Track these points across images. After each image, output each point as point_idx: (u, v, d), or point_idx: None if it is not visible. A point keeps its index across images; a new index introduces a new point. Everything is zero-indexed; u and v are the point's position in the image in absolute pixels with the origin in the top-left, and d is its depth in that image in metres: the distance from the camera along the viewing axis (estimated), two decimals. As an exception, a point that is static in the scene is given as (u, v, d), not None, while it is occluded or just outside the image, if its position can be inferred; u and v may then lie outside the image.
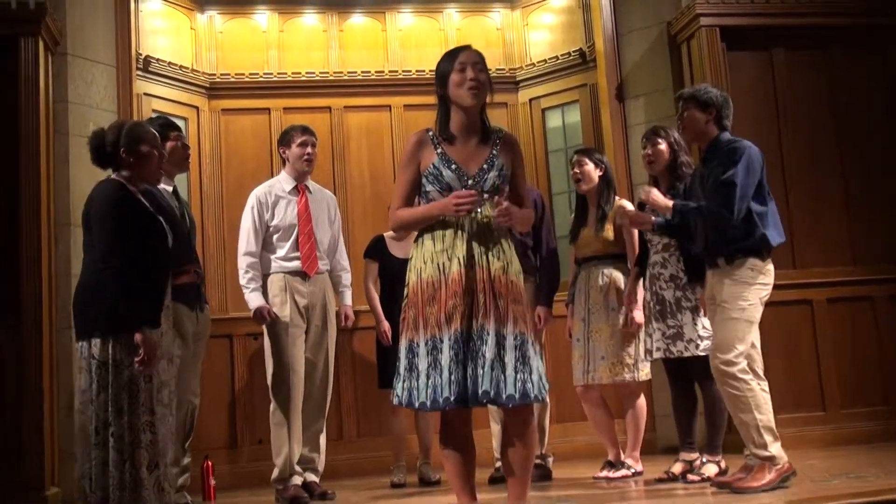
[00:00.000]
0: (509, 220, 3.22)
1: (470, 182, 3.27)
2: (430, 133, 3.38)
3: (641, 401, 5.06)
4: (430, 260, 3.24)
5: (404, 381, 3.21)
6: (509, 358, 3.12)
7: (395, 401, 3.25)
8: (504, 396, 3.09)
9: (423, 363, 3.15)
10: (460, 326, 3.12)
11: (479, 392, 3.08)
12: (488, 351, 3.10)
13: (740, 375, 4.05)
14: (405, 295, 3.32)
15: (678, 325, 4.69)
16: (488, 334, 3.12)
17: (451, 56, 3.35)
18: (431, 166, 3.30)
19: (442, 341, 3.13)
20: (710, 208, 4.13)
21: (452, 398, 3.08)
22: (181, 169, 4.78)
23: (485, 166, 3.30)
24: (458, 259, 3.19)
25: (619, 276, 5.03)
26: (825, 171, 6.31)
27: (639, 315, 4.87)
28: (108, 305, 3.56)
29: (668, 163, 4.82)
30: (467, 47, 3.38)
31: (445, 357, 3.11)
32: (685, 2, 6.28)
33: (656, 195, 4.30)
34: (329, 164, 7.07)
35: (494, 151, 3.34)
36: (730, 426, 4.70)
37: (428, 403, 3.13)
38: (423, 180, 3.32)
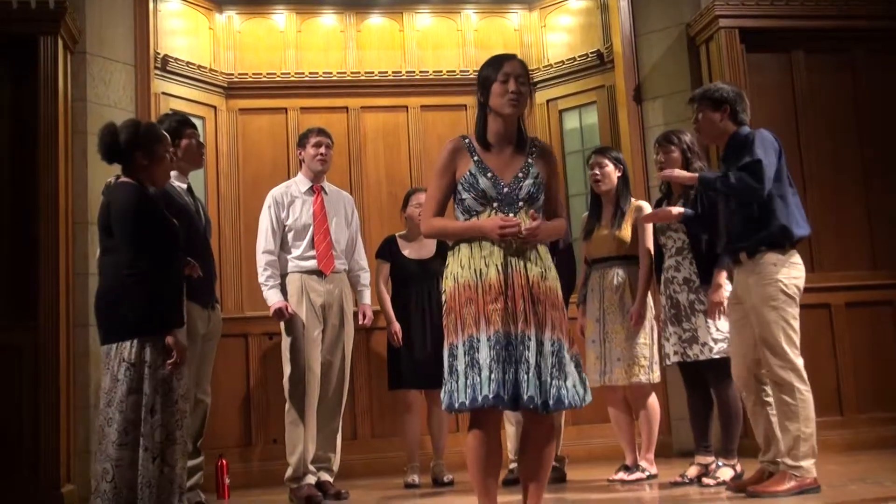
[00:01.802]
0: (535, 237, 3.20)
1: (505, 190, 3.25)
2: (467, 140, 3.37)
3: (653, 401, 5.04)
4: (467, 265, 3.22)
5: (446, 384, 3.18)
6: (546, 364, 3.10)
7: (443, 405, 3.21)
8: (540, 403, 3.07)
9: (461, 364, 3.13)
10: (501, 329, 3.10)
11: (525, 398, 3.06)
12: (532, 357, 3.08)
13: (796, 384, 4.00)
14: (443, 301, 3.30)
15: (693, 328, 4.68)
16: (530, 339, 3.11)
17: (496, 64, 3.34)
18: (468, 174, 3.29)
19: (479, 340, 3.11)
20: (739, 177, 4.03)
21: (492, 396, 3.05)
22: (196, 166, 4.81)
23: (520, 174, 3.29)
24: (496, 266, 3.18)
25: (632, 278, 5.01)
26: (845, 173, 6.26)
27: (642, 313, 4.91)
28: (137, 309, 3.58)
29: (681, 169, 4.80)
30: (513, 57, 3.37)
31: (484, 356, 3.08)
32: (704, 3, 6.24)
33: (678, 172, 4.25)
34: (346, 164, 7.07)
35: (530, 160, 3.34)
36: (745, 430, 4.66)
37: (467, 403, 3.09)
38: (459, 187, 3.31)
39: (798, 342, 4.08)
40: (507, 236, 3.16)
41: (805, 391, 4.02)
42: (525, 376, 3.07)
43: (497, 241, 3.18)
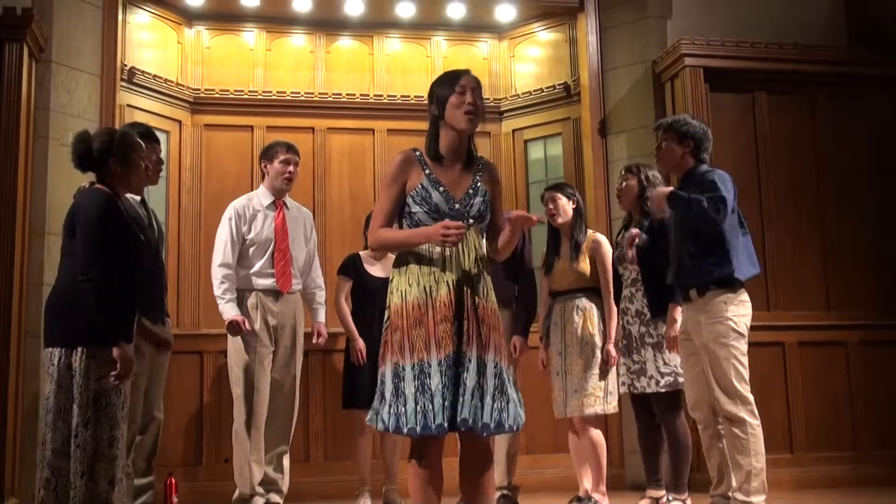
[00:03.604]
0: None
1: (457, 206, 3.26)
2: (417, 153, 3.37)
3: (596, 433, 4.98)
4: (415, 283, 3.20)
5: (390, 406, 3.13)
6: (488, 386, 3.09)
7: (381, 426, 3.15)
8: (480, 425, 3.06)
9: (409, 388, 3.10)
10: (451, 351, 3.10)
11: (458, 419, 3.05)
12: (469, 379, 3.08)
13: (748, 418, 4.05)
14: (386, 318, 3.26)
15: (642, 360, 4.73)
16: (470, 361, 3.10)
17: (451, 78, 3.35)
18: (419, 187, 3.28)
19: (430, 365, 3.09)
20: (707, 205, 4.06)
21: (446, 424, 3.04)
22: (152, 181, 4.72)
23: (470, 191, 3.31)
24: (447, 283, 3.17)
25: (593, 310, 5.03)
26: (803, 214, 6.37)
27: (613, 350, 4.89)
28: (86, 317, 3.53)
29: (636, 199, 4.89)
30: (467, 71, 3.38)
31: (436, 382, 3.06)
32: (671, 41, 6.35)
33: (662, 188, 4.28)
34: (310, 184, 7.05)
35: (478, 178, 3.36)
36: (696, 464, 4.69)
37: (418, 429, 3.06)
38: (409, 200, 3.29)
39: (747, 377, 4.13)
40: (450, 242, 3.13)
41: (756, 426, 4.06)
42: (461, 398, 3.06)
43: (443, 246, 3.16)
